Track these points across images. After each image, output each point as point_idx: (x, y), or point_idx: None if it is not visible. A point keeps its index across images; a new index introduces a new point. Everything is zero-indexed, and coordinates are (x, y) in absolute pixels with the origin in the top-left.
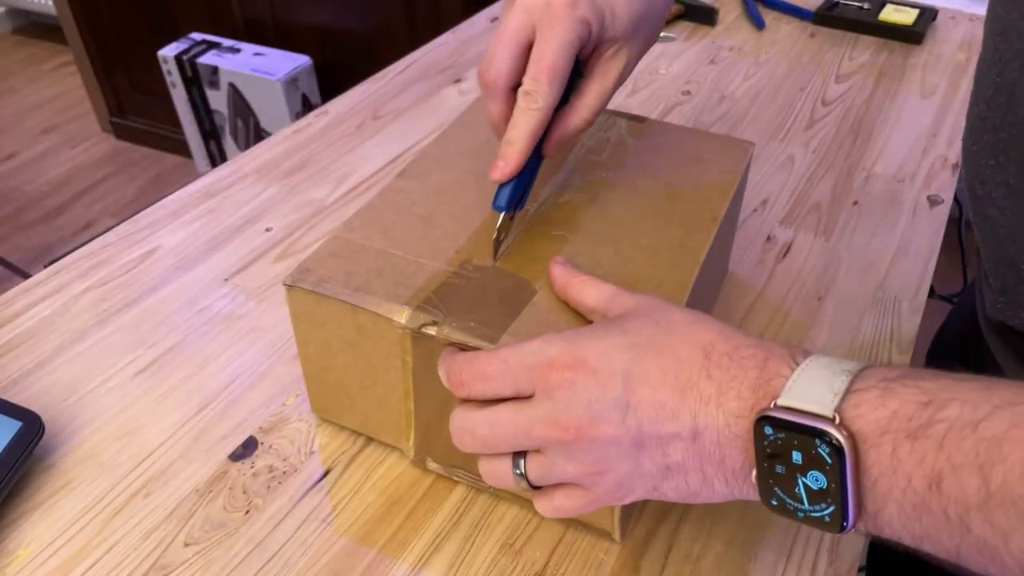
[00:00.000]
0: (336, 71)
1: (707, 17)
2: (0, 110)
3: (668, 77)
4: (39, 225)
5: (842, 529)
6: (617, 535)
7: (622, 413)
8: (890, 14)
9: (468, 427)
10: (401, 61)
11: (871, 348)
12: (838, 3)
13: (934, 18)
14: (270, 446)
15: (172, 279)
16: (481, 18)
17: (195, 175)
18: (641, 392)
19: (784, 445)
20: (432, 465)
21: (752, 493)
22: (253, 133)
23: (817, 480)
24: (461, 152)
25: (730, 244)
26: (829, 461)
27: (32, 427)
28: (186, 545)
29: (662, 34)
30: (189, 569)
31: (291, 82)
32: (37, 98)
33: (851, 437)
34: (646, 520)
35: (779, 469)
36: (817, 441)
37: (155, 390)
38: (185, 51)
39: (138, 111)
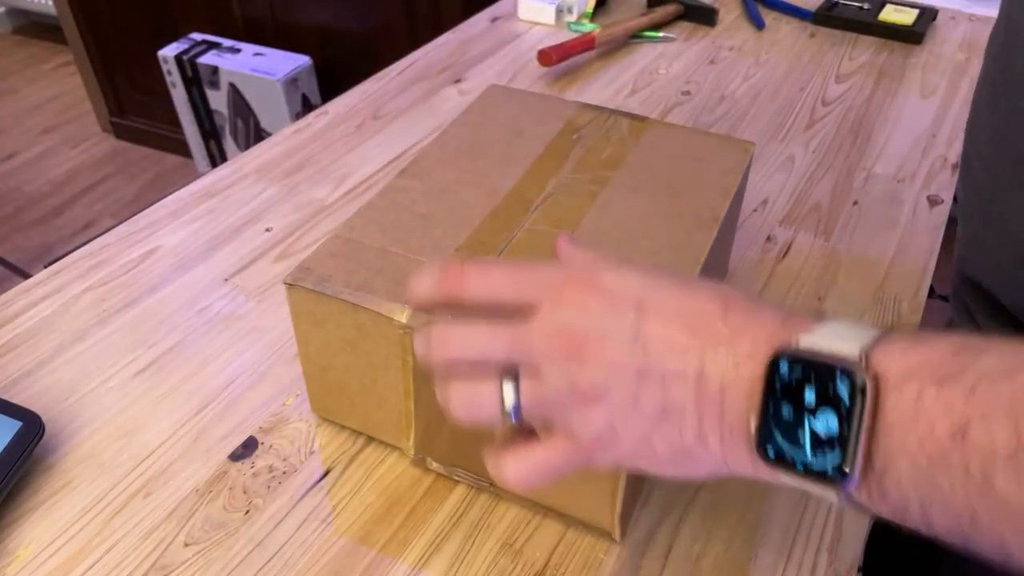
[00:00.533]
0: (336, 71)
1: (707, 17)
2: (0, 110)
3: (668, 77)
4: (39, 225)
5: (843, 484)
6: (617, 534)
7: (631, 340)
8: (890, 14)
9: (457, 332)
10: (401, 61)
11: None
12: (838, 3)
13: (934, 18)
14: (270, 446)
15: (172, 279)
16: (481, 18)
17: (195, 175)
18: (653, 323)
19: (798, 385)
20: (432, 464)
21: (747, 456)
22: (253, 133)
23: (827, 424)
24: (461, 151)
25: (730, 244)
26: (847, 402)
27: (32, 427)
28: (186, 545)
29: (662, 34)
30: (189, 569)
31: (291, 82)
32: (37, 98)
33: (874, 378)
34: (646, 520)
35: (785, 411)
36: (837, 377)
37: (155, 390)
38: (185, 51)
39: (138, 111)
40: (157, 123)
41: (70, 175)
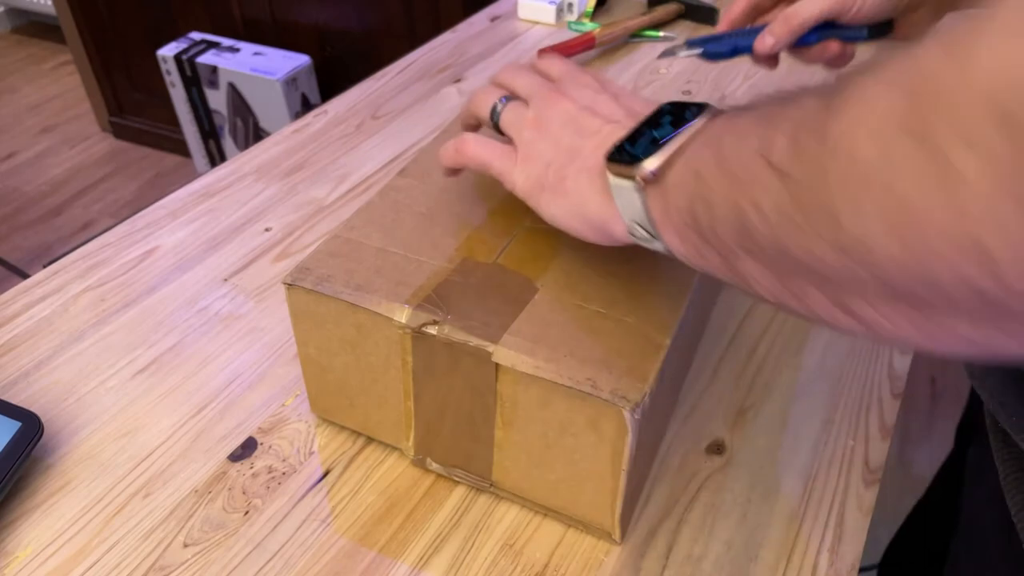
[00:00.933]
0: (336, 71)
1: (707, 17)
2: None
3: (668, 77)
4: (38, 225)
5: (641, 167)
6: (617, 535)
7: (582, 106)
8: None
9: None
10: (401, 61)
11: (872, 348)
12: None
13: None
14: (270, 446)
15: (171, 279)
16: (481, 18)
17: (194, 175)
18: (602, 99)
19: (665, 112)
20: (432, 465)
21: (598, 166)
22: (252, 133)
23: (664, 130)
24: None
25: None
26: (688, 118)
27: (31, 427)
28: (185, 546)
29: (662, 33)
30: (189, 569)
31: (290, 82)
32: (36, 98)
33: (717, 112)
34: (646, 520)
35: (644, 130)
36: (694, 107)
37: (154, 390)
38: (184, 51)
39: (137, 111)
40: (156, 123)
41: (69, 175)
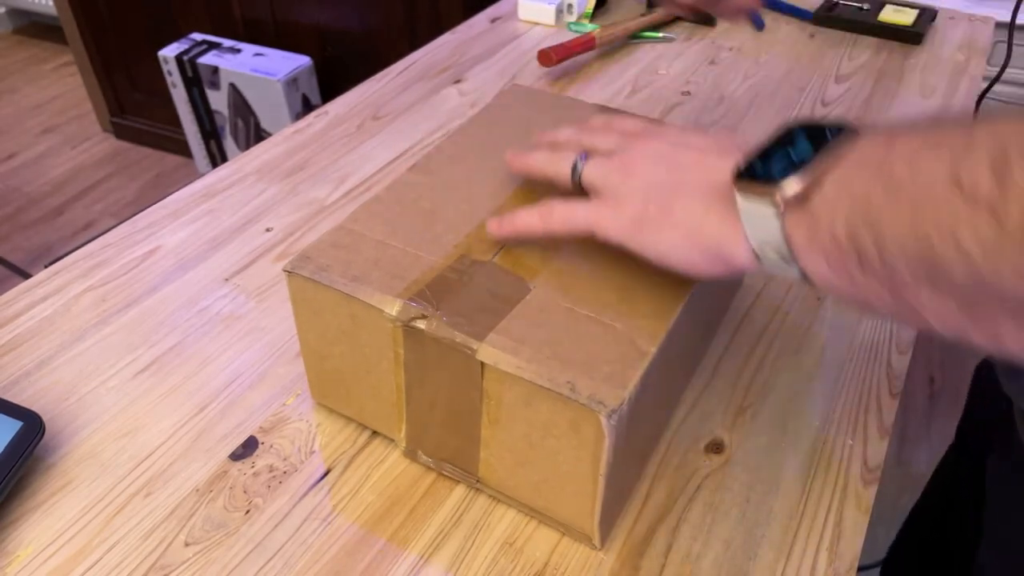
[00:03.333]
0: (336, 71)
1: (707, 17)
2: (0, 110)
3: (668, 77)
4: (39, 225)
5: (782, 190)
6: (597, 540)
7: (670, 144)
8: (889, 14)
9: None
10: (401, 61)
11: (870, 348)
12: (838, 4)
13: (933, 18)
14: (270, 446)
15: (172, 279)
16: (481, 18)
17: (195, 175)
18: (686, 144)
19: (797, 132)
20: (423, 458)
21: (724, 188)
22: (253, 133)
23: (804, 152)
24: (473, 149)
25: None
26: (829, 138)
27: (32, 427)
28: (186, 545)
29: (661, 34)
30: (189, 569)
31: (291, 82)
32: (37, 98)
33: (854, 135)
34: (645, 519)
35: (776, 147)
36: (828, 130)
37: (155, 390)
38: (185, 51)
39: (138, 111)
40: (157, 123)
41: (70, 175)
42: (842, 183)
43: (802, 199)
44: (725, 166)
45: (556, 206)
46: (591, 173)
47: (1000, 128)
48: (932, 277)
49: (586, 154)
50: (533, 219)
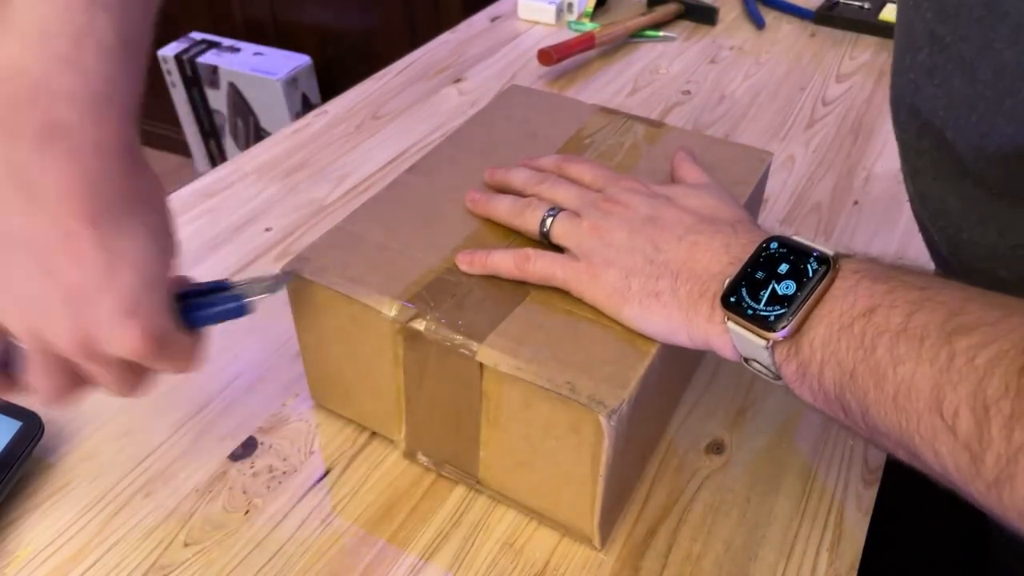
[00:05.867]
0: (336, 71)
1: (707, 16)
2: None
3: (668, 76)
4: None
5: (776, 331)
6: (597, 542)
7: (650, 206)
8: (891, 14)
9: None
10: (401, 61)
11: None
12: (838, 3)
13: None
14: (270, 446)
15: None
16: (481, 18)
17: (195, 175)
18: (671, 207)
19: (778, 258)
20: (422, 459)
21: (707, 305)
22: (253, 133)
23: (788, 287)
24: (473, 150)
25: None
26: (811, 274)
27: (32, 427)
28: (186, 545)
29: (662, 33)
30: (189, 569)
31: (291, 82)
32: None
33: (836, 267)
34: (646, 519)
35: (759, 274)
36: (812, 258)
37: (155, 390)
38: (185, 51)
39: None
40: (157, 123)
41: None
42: (828, 346)
43: (790, 339)
44: (709, 262)
45: (533, 258)
46: (561, 232)
47: (976, 341)
48: (912, 456)
49: (554, 209)
50: (508, 264)
